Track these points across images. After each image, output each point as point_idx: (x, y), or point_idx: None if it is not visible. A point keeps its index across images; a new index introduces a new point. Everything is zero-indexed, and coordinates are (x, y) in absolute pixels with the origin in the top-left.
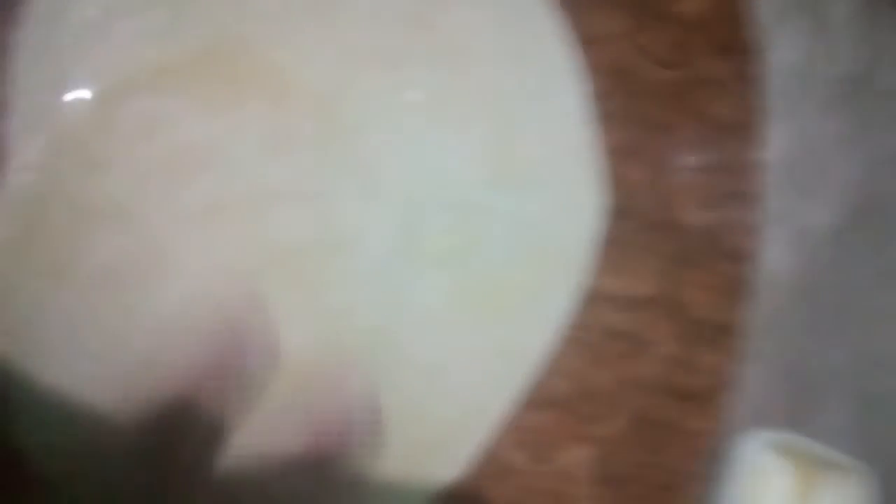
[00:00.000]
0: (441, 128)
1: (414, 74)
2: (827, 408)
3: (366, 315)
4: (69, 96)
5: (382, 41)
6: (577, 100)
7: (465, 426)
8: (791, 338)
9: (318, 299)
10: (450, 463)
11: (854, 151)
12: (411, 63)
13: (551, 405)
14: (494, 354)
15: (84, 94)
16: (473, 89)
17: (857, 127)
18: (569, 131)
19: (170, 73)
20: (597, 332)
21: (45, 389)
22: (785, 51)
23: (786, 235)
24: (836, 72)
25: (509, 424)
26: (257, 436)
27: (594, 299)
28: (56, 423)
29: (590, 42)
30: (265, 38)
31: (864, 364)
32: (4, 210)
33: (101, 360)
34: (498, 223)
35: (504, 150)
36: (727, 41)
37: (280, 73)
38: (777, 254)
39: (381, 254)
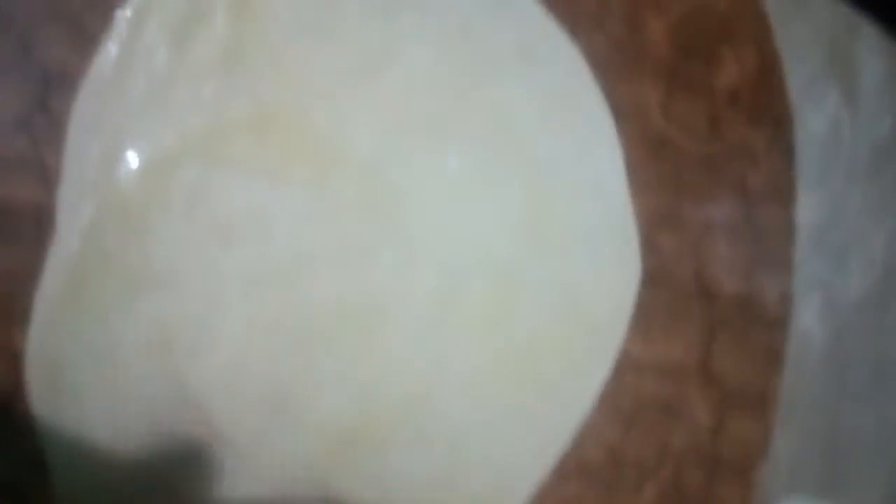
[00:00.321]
0: (481, 195)
1: (457, 143)
2: (859, 475)
3: (404, 379)
4: (119, 165)
5: (427, 111)
6: (613, 168)
7: (501, 493)
8: (823, 405)
9: (358, 363)
10: None
11: (882, 219)
12: (454, 132)
13: (584, 473)
14: (530, 421)
15: (133, 162)
16: (514, 157)
17: (885, 195)
18: (605, 199)
19: (217, 142)
20: (630, 399)
21: (84, 451)
22: (815, 120)
23: (817, 302)
24: (864, 141)
25: (543, 492)
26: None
27: (628, 366)
28: (88, 482)
29: (626, 113)
30: (311, 106)
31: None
32: (52, 277)
33: (141, 423)
34: (534, 289)
35: (542, 217)
36: (760, 112)
37: (325, 141)
38: (808, 321)
39: (419, 318)
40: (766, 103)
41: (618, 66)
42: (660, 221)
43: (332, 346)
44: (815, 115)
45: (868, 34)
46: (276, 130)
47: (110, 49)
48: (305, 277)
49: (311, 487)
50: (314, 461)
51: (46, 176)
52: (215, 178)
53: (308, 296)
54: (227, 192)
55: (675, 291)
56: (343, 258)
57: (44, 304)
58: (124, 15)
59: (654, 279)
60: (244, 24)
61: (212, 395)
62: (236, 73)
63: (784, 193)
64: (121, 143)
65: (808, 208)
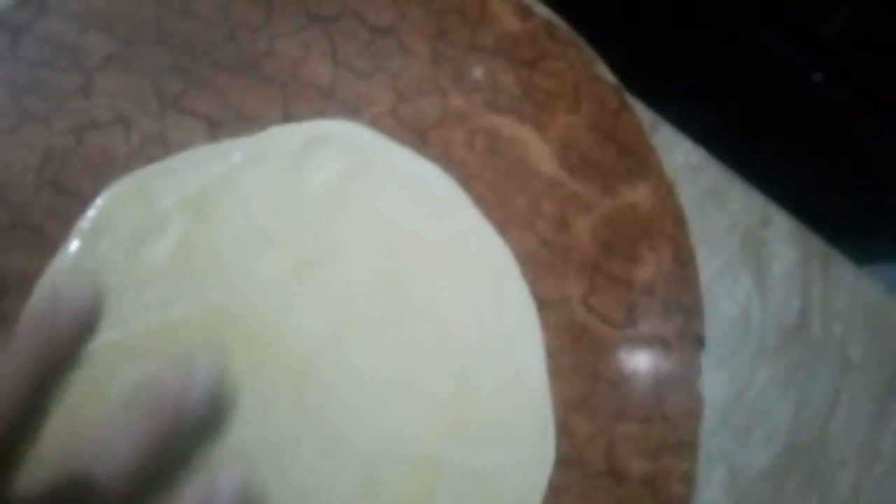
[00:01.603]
0: (408, 385)
1: (389, 336)
2: None
3: None
4: None
5: (363, 308)
6: (534, 357)
7: None
8: None
9: None
10: None
11: (785, 395)
12: (387, 326)
13: None
14: None
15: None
16: (441, 349)
17: (789, 373)
18: (525, 387)
19: (160, 340)
20: None
21: None
22: (726, 304)
23: (721, 475)
24: (772, 322)
25: None
26: None
27: None
28: None
29: (550, 304)
30: (251, 305)
31: None
32: None
33: None
34: (452, 475)
35: (464, 405)
36: (674, 303)
37: (263, 339)
38: (712, 493)
39: None
40: (678, 295)
41: (545, 261)
42: (576, 405)
43: None
44: (727, 299)
45: (780, 223)
46: (216, 330)
47: (66, 256)
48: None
49: None
50: None
51: None
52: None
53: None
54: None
55: (585, 472)
56: (268, 450)
57: None
58: (83, 226)
59: (567, 461)
60: (195, 229)
61: None
62: (182, 275)
63: (692, 378)
64: None
65: (715, 385)
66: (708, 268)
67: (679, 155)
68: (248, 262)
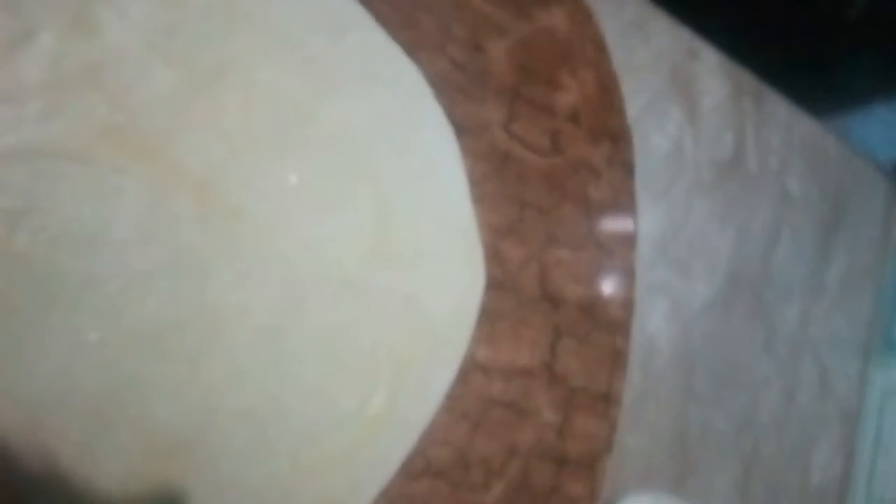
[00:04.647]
0: (323, 209)
1: (297, 159)
2: (710, 471)
3: (247, 387)
4: None
5: (266, 129)
6: (455, 182)
7: (347, 494)
8: (672, 404)
9: (197, 373)
10: None
11: (725, 229)
12: (294, 148)
13: (431, 474)
14: (375, 423)
15: None
16: (356, 172)
17: (727, 206)
18: (449, 211)
19: (50, 156)
20: (477, 401)
21: None
22: (657, 138)
23: (663, 308)
24: (706, 156)
25: (390, 492)
26: None
27: (474, 369)
28: None
29: (469, 130)
30: (143, 123)
31: (745, 429)
32: None
33: None
34: (379, 297)
35: (385, 229)
36: (599, 129)
37: (162, 159)
38: (655, 325)
39: (261, 329)
40: (604, 121)
41: (460, 86)
42: (504, 231)
43: (165, 357)
44: (657, 133)
45: (708, 57)
46: (102, 146)
47: None
48: (139, 290)
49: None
50: (140, 473)
51: None
52: (46, 194)
53: (138, 310)
54: (58, 209)
55: (520, 298)
56: (176, 273)
57: None
58: None
59: (500, 286)
60: (70, 41)
61: (39, 408)
62: (60, 90)
63: (624, 205)
64: None
65: (652, 219)
66: (635, 101)
67: None
68: (132, 77)
